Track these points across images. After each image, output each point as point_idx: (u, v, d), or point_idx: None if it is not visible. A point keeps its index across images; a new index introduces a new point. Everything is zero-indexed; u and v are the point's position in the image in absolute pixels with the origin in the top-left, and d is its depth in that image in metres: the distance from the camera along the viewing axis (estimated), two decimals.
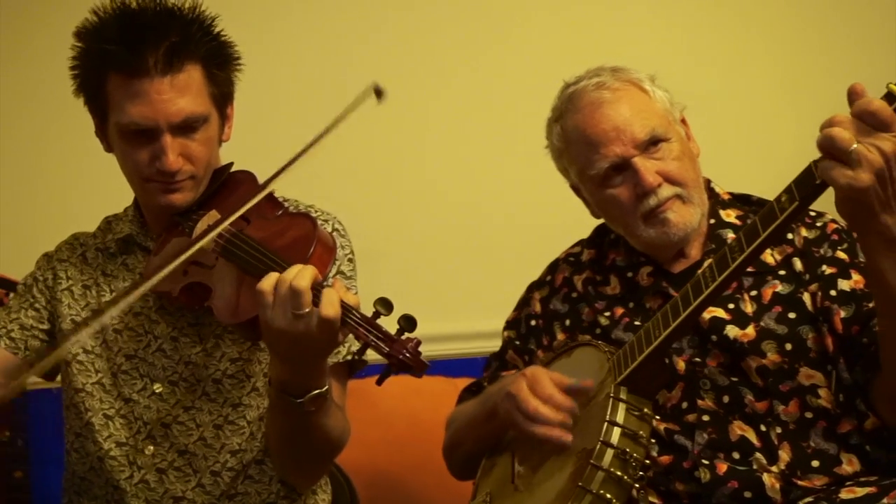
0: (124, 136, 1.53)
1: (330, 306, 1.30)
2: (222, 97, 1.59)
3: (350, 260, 1.65)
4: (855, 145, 1.23)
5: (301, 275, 1.33)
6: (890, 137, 1.24)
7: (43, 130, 2.61)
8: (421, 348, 1.36)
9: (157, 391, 1.60)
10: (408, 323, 1.33)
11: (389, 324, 1.35)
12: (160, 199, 1.56)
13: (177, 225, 1.59)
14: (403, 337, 1.32)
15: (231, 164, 1.64)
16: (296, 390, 1.41)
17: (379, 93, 1.50)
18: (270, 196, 1.58)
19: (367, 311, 1.35)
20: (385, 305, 1.34)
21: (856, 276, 1.53)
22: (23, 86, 2.62)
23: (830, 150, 1.24)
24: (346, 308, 1.33)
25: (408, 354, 1.31)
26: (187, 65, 1.52)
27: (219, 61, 1.58)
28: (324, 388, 1.42)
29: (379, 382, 1.36)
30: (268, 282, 1.34)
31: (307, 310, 1.31)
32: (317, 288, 1.32)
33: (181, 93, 1.51)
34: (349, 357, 1.51)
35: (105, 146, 1.62)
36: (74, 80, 1.58)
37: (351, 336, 1.38)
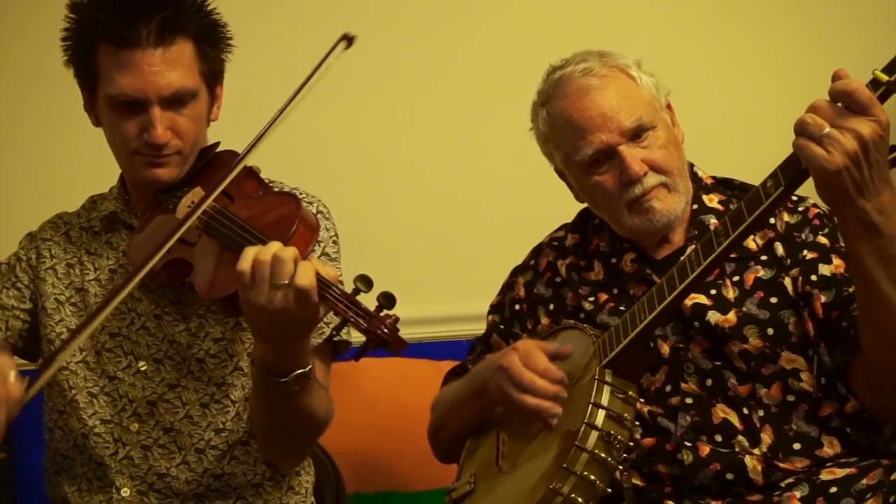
0: (113, 107, 1.53)
1: (305, 276, 1.31)
2: (212, 75, 1.58)
3: (334, 242, 1.65)
4: (827, 129, 1.23)
5: (283, 248, 1.34)
6: (868, 121, 1.23)
7: (26, 113, 2.58)
8: (405, 331, 1.35)
9: (141, 369, 1.60)
10: (387, 300, 1.33)
11: (369, 301, 1.35)
12: (146, 173, 1.55)
13: (161, 202, 1.58)
14: (382, 314, 1.32)
15: (217, 143, 1.64)
16: (279, 370, 1.41)
17: (349, 40, 1.49)
18: (255, 176, 1.58)
19: (349, 288, 1.35)
20: (365, 282, 1.35)
21: (836, 261, 1.53)
22: (8, 70, 2.60)
23: (803, 133, 1.25)
24: (325, 283, 1.34)
25: (385, 331, 1.31)
26: (179, 39, 1.52)
27: (210, 38, 1.57)
28: (307, 368, 1.43)
29: (357, 358, 1.36)
30: (246, 260, 1.34)
31: (286, 280, 1.31)
32: (296, 263, 1.33)
33: (172, 66, 1.51)
34: (333, 335, 1.52)
35: (93, 120, 1.61)
36: (66, 52, 1.57)
37: (333, 316, 1.38)
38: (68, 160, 2.48)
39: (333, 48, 1.50)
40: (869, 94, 1.24)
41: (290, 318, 1.34)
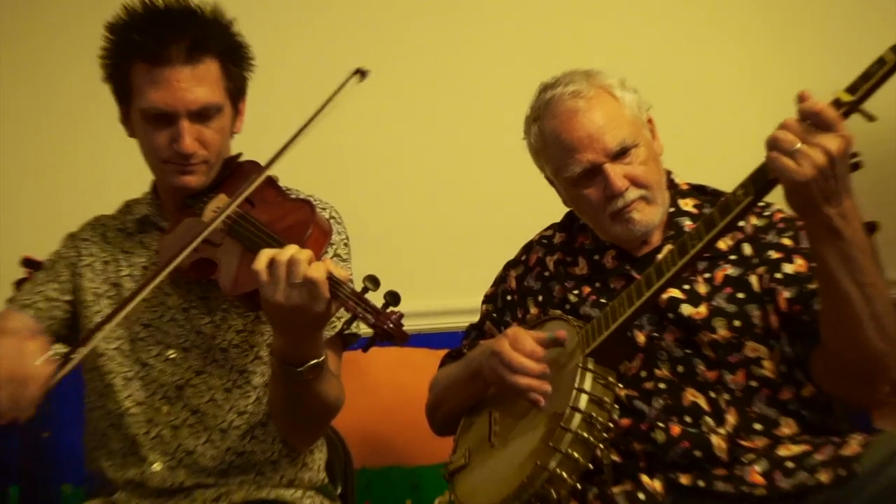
0: (146, 119, 1.58)
1: (316, 270, 1.36)
2: (236, 91, 1.63)
3: (345, 244, 1.70)
4: (798, 145, 1.29)
5: (299, 250, 1.38)
6: (835, 137, 1.29)
7: (68, 127, 2.65)
8: (406, 323, 1.40)
9: (171, 356, 1.64)
10: (392, 298, 1.38)
11: (376, 298, 1.40)
12: (175, 179, 1.61)
13: (189, 207, 1.63)
14: (388, 310, 1.37)
15: (240, 154, 1.69)
16: (295, 360, 1.46)
17: (363, 74, 1.54)
18: (274, 184, 1.64)
19: (358, 287, 1.41)
20: (373, 282, 1.39)
21: (799, 261, 1.57)
22: (53, 85, 2.66)
23: (776, 148, 1.31)
24: (336, 282, 1.38)
25: (391, 325, 1.36)
26: (206, 58, 1.57)
27: (234, 58, 1.63)
28: (320, 359, 1.47)
29: (365, 349, 1.41)
30: (261, 260, 1.39)
31: (301, 280, 1.36)
32: (310, 263, 1.38)
33: (199, 82, 1.56)
34: (344, 329, 1.58)
35: (128, 131, 1.66)
36: (104, 69, 1.63)
37: (343, 312, 1.43)
38: (106, 167, 2.51)
39: (347, 80, 1.55)
40: (835, 113, 1.29)
41: (304, 313, 1.38)
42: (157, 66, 1.54)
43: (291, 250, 1.39)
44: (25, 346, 1.39)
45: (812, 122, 1.30)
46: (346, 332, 1.51)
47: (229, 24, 1.63)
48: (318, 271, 1.36)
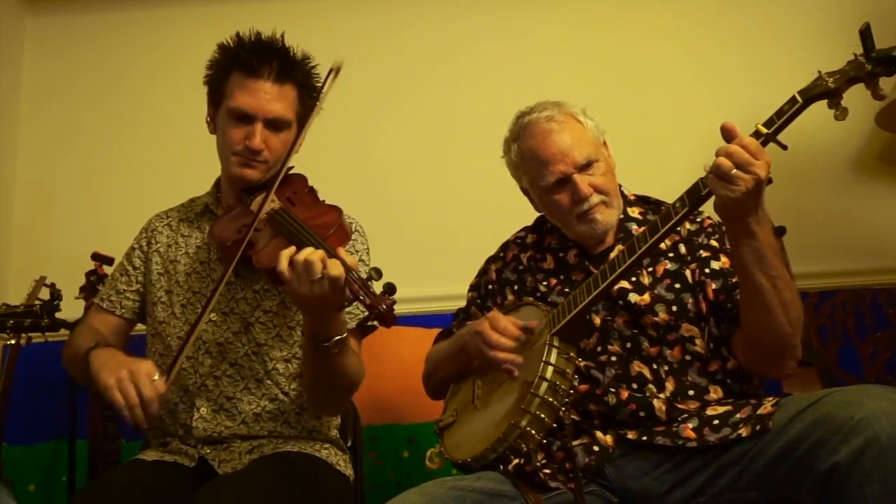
0: (231, 116, 1.71)
1: (335, 268, 1.46)
2: (303, 119, 1.75)
3: (367, 252, 1.82)
4: (734, 171, 1.39)
5: (312, 252, 1.47)
6: (761, 164, 1.40)
7: (141, 140, 2.80)
8: (406, 307, 1.49)
9: (213, 319, 1.76)
10: (389, 287, 1.47)
11: (378, 287, 1.50)
12: (239, 170, 1.73)
13: (242, 199, 1.76)
14: (384, 296, 1.46)
15: (292, 166, 1.80)
16: (322, 337, 1.56)
17: (336, 70, 1.65)
18: (313, 191, 1.75)
19: (364, 276, 1.51)
20: (377, 272, 1.50)
21: (723, 259, 1.68)
22: (140, 108, 2.79)
23: (717, 173, 1.42)
24: (347, 268, 1.47)
25: (384, 307, 1.44)
26: (289, 83, 1.72)
27: (309, 94, 1.75)
28: (343, 335, 1.57)
29: (359, 325, 1.50)
30: (282, 262, 1.47)
31: (319, 276, 1.45)
32: (325, 259, 1.47)
33: (280, 99, 1.71)
34: (364, 322, 1.68)
35: (210, 129, 1.79)
36: (206, 75, 1.76)
37: (361, 307, 1.52)
38: (172, 172, 2.67)
39: (325, 79, 1.68)
40: (757, 144, 1.41)
41: (326, 300, 1.48)
42: (251, 76, 1.69)
43: (306, 252, 1.46)
44: (140, 368, 1.49)
45: (743, 150, 1.40)
46: (368, 324, 1.62)
47: (314, 67, 1.76)
48: (337, 268, 1.45)
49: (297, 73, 1.75)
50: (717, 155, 1.42)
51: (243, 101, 1.70)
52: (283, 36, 1.76)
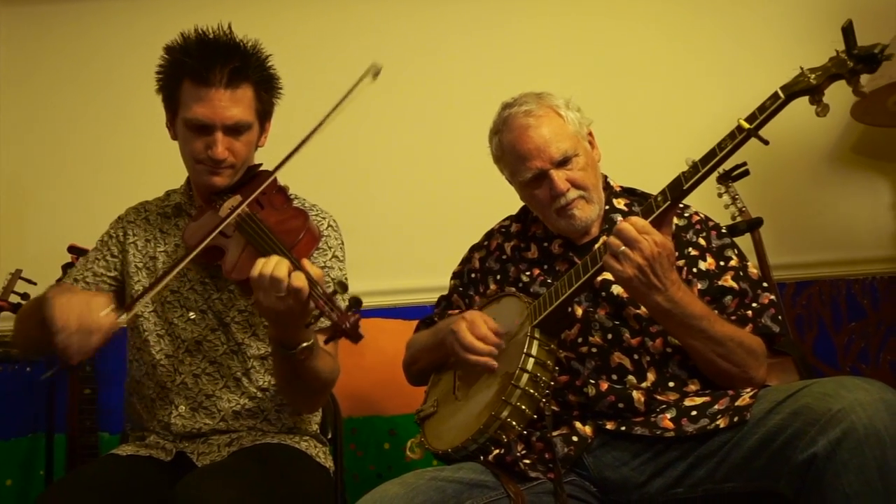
0: (188, 127, 1.68)
1: (297, 279, 1.44)
2: (264, 113, 1.74)
3: (341, 248, 1.80)
4: (622, 248, 1.43)
5: (277, 266, 1.44)
6: (648, 241, 1.44)
7: (108, 131, 2.78)
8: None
9: (191, 317, 1.76)
10: (354, 302, 1.43)
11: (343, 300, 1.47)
12: (206, 178, 1.71)
13: (212, 202, 1.74)
14: (349, 312, 1.43)
15: (260, 164, 1.79)
16: (289, 344, 1.55)
17: (377, 72, 1.62)
18: (284, 192, 1.72)
19: (330, 289, 1.48)
20: (342, 287, 1.46)
21: (709, 260, 1.69)
22: (116, 99, 2.77)
23: (607, 250, 1.45)
24: (312, 282, 1.44)
25: (349, 326, 1.42)
26: (243, 84, 1.68)
27: (266, 87, 1.72)
28: (310, 342, 1.56)
29: (326, 343, 1.47)
30: (255, 270, 1.45)
31: (284, 292, 1.44)
32: (290, 274, 1.44)
33: (235, 104, 1.67)
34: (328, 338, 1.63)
35: (171, 134, 1.76)
36: (158, 82, 1.72)
37: (326, 321, 1.46)
38: (149, 164, 2.61)
39: (361, 79, 1.62)
40: (643, 223, 1.44)
41: (291, 312, 1.47)
42: (202, 85, 1.64)
43: (271, 266, 1.44)
44: (93, 299, 1.47)
45: (635, 228, 1.43)
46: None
47: (266, 58, 1.72)
48: (300, 280, 1.43)
49: (250, 71, 1.70)
50: (611, 233, 1.45)
51: (199, 111, 1.66)
52: (230, 27, 1.71)
